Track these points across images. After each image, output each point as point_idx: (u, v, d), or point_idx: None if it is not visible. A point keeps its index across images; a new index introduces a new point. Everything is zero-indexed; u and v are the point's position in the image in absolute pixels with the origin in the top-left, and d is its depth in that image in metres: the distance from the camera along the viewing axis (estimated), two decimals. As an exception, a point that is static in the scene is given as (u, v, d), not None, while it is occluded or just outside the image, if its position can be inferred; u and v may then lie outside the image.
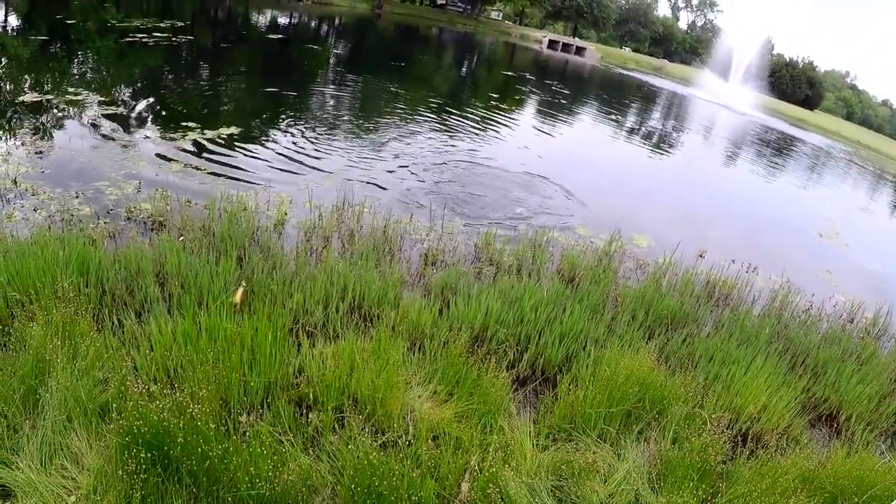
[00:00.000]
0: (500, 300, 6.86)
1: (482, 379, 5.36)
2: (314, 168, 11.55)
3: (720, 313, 8.49)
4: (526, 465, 4.74)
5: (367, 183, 11.29)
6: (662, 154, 25.54)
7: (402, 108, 19.98)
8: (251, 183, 10.08)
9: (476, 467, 4.50)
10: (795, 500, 4.65)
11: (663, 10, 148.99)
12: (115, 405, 4.24)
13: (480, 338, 6.39)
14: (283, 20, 46.15)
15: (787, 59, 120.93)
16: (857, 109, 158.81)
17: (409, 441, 4.62)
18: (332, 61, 29.99)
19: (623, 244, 10.22)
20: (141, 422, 3.90)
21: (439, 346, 5.84)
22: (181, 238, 7.27)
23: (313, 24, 47.90)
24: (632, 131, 29.54)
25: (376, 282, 6.76)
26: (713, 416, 5.57)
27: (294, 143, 12.94)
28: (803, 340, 8.25)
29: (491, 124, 20.35)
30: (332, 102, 18.99)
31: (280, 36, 37.03)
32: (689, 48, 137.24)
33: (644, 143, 26.42)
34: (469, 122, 19.69)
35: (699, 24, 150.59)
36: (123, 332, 5.28)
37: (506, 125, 20.89)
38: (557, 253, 9.36)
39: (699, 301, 8.70)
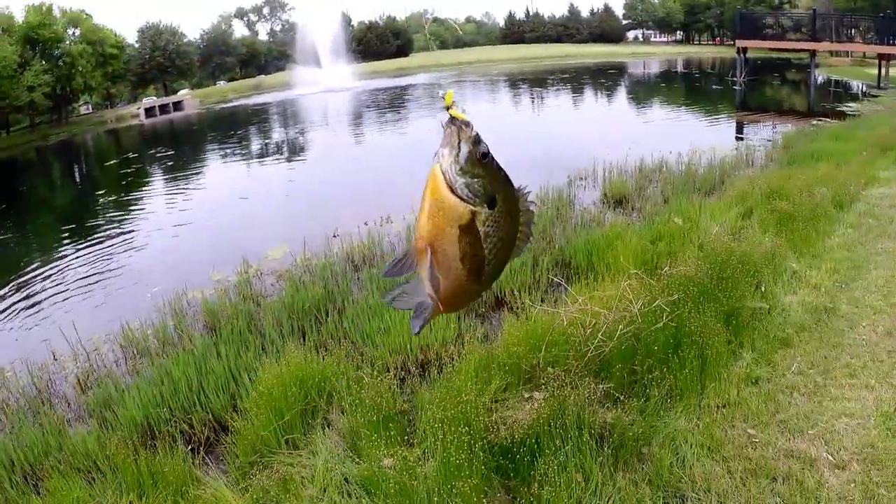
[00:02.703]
0: (166, 382, 6.69)
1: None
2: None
3: (364, 275, 8.85)
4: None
5: (8, 344, 10.17)
6: (293, 161, 26.02)
7: (32, 248, 18.13)
8: None
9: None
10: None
11: (240, 30, 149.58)
12: None
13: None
14: None
15: (367, 23, 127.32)
16: (447, 37, 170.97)
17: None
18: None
19: (258, 267, 10.29)
20: None
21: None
22: None
23: None
24: (260, 154, 29.69)
25: (39, 439, 6.27)
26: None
27: None
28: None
29: (122, 221, 19.27)
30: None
31: None
32: (279, 55, 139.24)
33: (275, 159, 26.78)
34: (100, 231, 18.38)
35: (277, 28, 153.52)
36: None
37: (133, 216, 19.93)
38: (198, 310, 9.17)
39: (345, 275, 8.99)
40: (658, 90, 40.01)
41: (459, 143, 1.34)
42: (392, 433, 4.87)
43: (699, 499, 3.94)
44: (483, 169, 1.24)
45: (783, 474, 4.04)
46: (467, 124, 1.29)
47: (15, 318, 11.62)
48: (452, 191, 1.31)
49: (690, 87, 41.70)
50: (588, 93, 42.74)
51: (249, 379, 6.39)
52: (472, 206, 1.19)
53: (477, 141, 1.35)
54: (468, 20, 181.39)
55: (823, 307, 6.32)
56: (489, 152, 1.33)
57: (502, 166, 1.16)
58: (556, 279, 7.84)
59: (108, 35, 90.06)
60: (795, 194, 9.42)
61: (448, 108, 1.32)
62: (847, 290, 6.72)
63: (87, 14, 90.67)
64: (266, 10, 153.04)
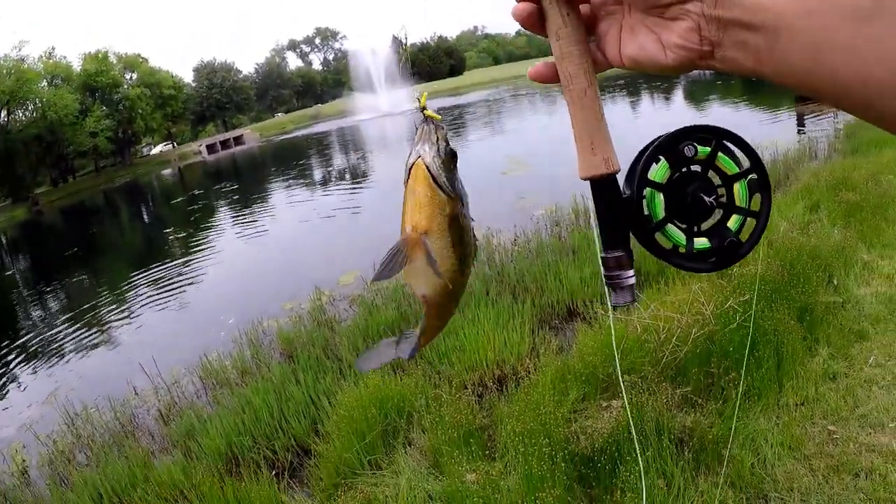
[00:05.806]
0: (247, 410, 6.93)
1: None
2: (32, 400, 10.65)
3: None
4: None
5: (90, 382, 10.56)
6: (358, 187, 26.36)
7: (106, 288, 18.66)
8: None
9: None
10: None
11: (294, 62, 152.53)
12: None
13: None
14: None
15: (419, 45, 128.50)
16: (498, 52, 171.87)
17: None
18: (20, 286, 27.05)
19: (330, 293, 10.51)
20: None
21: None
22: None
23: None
24: (324, 182, 30.18)
25: (125, 471, 6.53)
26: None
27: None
28: (518, 267, 8.94)
29: (192, 256, 19.77)
30: (34, 327, 17.28)
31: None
32: (334, 83, 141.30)
33: (339, 186, 27.15)
34: (172, 267, 18.89)
35: (330, 57, 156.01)
36: None
37: (203, 251, 20.38)
38: (274, 339, 9.44)
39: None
40: (714, 87, 39.36)
41: (438, 140, 1.39)
42: (473, 449, 4.94)
43: (782, 498, 3.94)
44: (454, 165, 1.32)
45: (866, 469, 4.00)
46: (441, 126, 1.36)
47: (94, 356, 12.14)
48: (437, 184, 1.37)
49: (746, 82, 41.02)
50: (644, 97, 42.20)
51: (329, 403, 6.55)
52: (453, 198, 1.27)
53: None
54: (518, 34, 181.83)
55: (898, 297, 6.19)
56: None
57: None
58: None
59: (164, 77, 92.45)
60: (861, 184, 9.20)
61: (423, 109, 1.37)
62: (921, 277, 6.59)
63: (142, 58, 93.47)
64: (318, 41, 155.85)
